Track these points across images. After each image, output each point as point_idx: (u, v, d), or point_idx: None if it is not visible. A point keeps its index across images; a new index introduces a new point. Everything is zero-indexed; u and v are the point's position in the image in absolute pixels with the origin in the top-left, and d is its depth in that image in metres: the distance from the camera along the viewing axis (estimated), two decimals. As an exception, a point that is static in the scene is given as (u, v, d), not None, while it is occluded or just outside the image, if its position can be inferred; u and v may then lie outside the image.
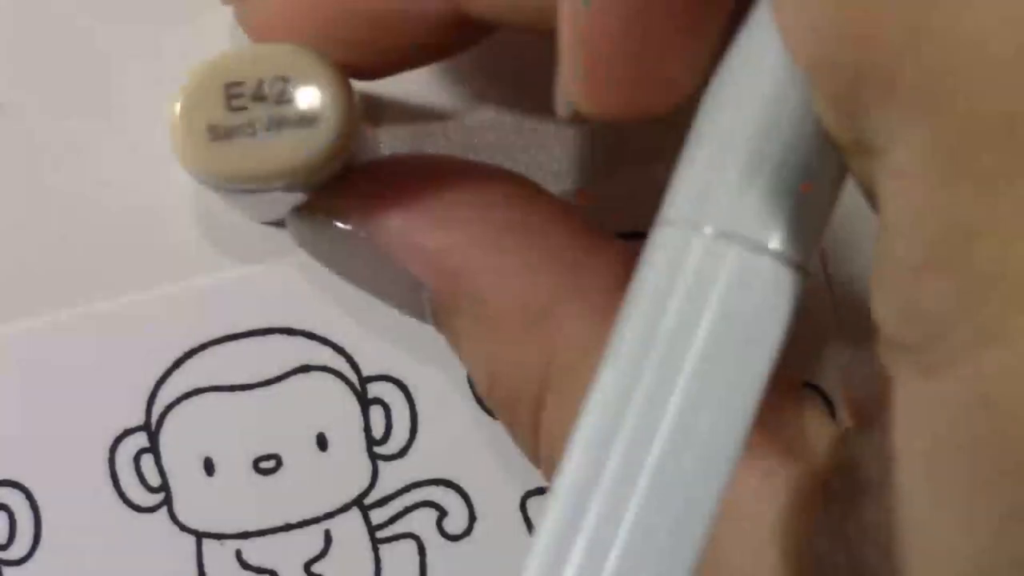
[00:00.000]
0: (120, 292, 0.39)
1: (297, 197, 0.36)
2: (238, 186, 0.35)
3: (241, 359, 0.39)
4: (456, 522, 0.39)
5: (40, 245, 0.40)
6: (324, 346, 0.39)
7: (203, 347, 0.39)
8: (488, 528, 0.39)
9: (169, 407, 0.39)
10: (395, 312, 0.39)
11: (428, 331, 0.40)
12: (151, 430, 0.39)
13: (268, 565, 0.39)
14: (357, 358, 0.39)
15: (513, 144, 0.40)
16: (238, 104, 0.35)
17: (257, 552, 0.39)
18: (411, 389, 0.39)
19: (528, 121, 0.40)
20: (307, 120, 0.34)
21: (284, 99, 0.35)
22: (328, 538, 0.39)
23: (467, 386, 0.39)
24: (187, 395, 0.39)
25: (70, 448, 0.39)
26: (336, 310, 0.39)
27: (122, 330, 0.39)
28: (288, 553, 0.39)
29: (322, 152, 0.35)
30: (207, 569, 0.39)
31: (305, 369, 0.39)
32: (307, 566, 0.39)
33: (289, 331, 0.39)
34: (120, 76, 0.40)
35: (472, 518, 0.39)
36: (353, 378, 0.39)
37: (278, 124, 0.35)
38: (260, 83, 0.35)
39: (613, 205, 0.39)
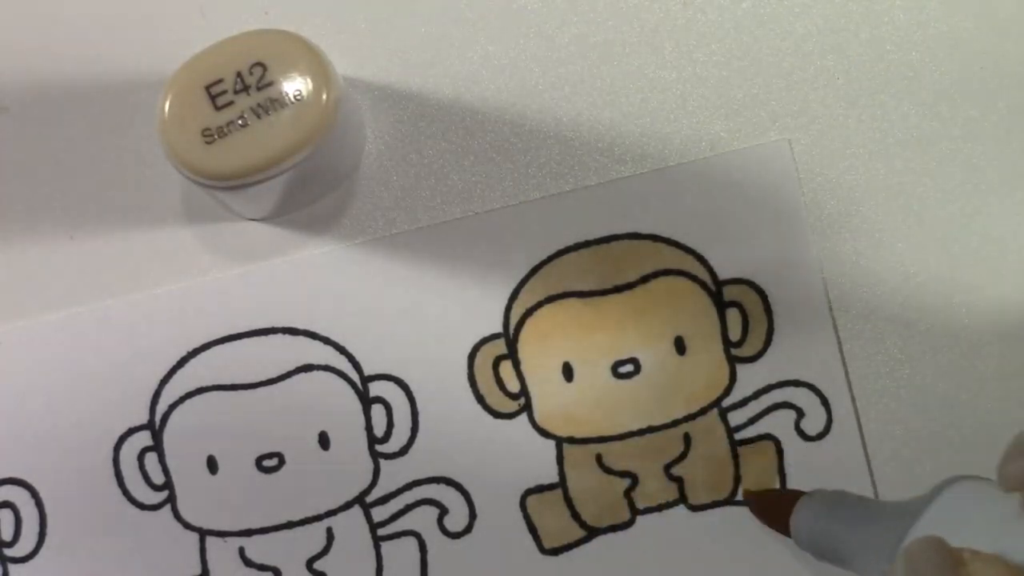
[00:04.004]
0: (123, 292, 0.40)
1: (294, 181, 0.37)
2: (243, 181, 0.35)
3: (244, 358, 0.39)
4: (457, 519, 0.39)
5: (44, 245, 0.40)
6: (326, 346, 0.39)
7: (206, 347, 0.39)
8: (488, 525, 0.39)
9: (173, 406, 0.39)
10: (396, 313, 0.40)
11: (429, 331, 0.40)
12: (155, 429, 0.39)
13: (271, 562, 0.39)
14: (359, 357, 0.40)
15: (513, 145, 0.40)
16: (223, 101, 0.35)
17: (260, 549, 0.39)
18: (412, 388, 0.40)
19: (528, 122, 0.40)
20: (293, 97, 0.35)
21: (265, 83, 0.35)
22: (330, 535, 0.39)
23: (467, 385, 0.40)
24: (190, 394, 0.39)
25: (74, 446, 0.39)
26: (338, 310, 0.39)
27: (125, 330, 0.39)
28: (290, 550, 0.39)
29: (315, 123, 0.35)
30: (211, 566, 0.39)
31: (307, 368, 0.39)
32: (309, 563, 0.39)
33: (291, 331, 0.39)
34: (122, 77, 0.40)
35: (472, 516, 0.39)
36: (355, 377, 0.39)
37: (266, 109, 0.35)
38: (238, 75, 0.35)
39: (610, 207, 0.40)
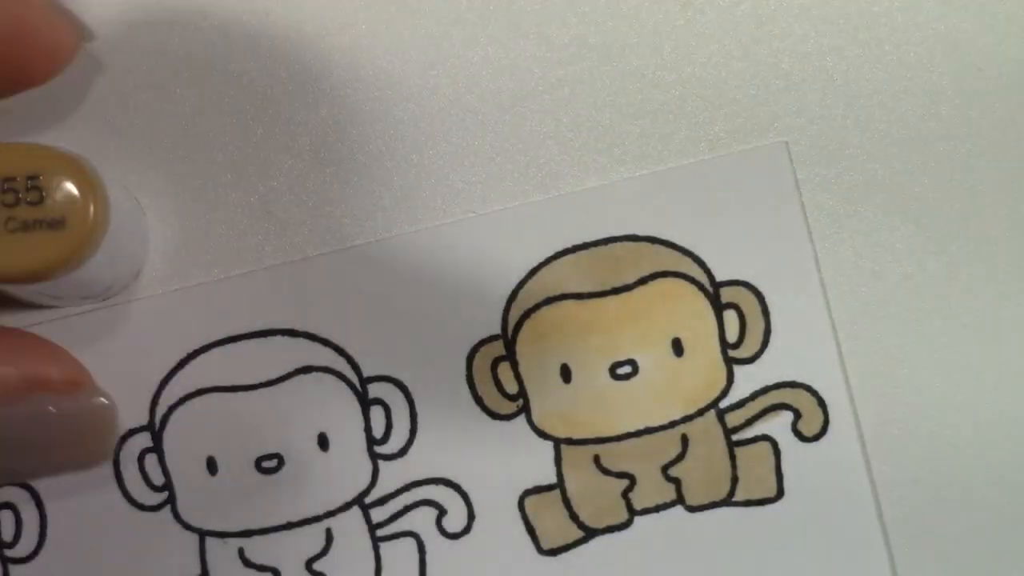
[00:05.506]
0: (124, 294, 0.40)
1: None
2: None
3: (243, 360, 0.39)
4: (455, 520, 0.40)
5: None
6: (325, 347, 0.40)
7: (206, 348, 0.40)
8: (487, 526, 0.40)
9: (173, 407, 0.39)
10: (395, 314, 0.40)
11: (428, 333, 0.40)
12: (155, 430, 0.40)
13: (270, 563, 0.39)
14: (358, 359, 0.40)
15: (513, 146, 0.40)
16: None
17: (259, 550, 0.40)
18: (411, 389, 0.40)
19: (528, 123, 0.40)
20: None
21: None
22: (329, 536, 0.40)
23: (466, 386, 0.40)
24: (190, 395, 0.39)
25: (75, 448, 0.40)
26: (337, 312, 0.40)
27: (126, 331, 0.40)
28: (290, 551, 0.39)
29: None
30: (210, 567, 0.39)
31: (306, 370, 0.39)
32: (308, 564, 0.39)
33: (291, 332, 0.40)
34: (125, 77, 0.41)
35: (471, 516, 0.40)
36: (354, 378, 0.40)
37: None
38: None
39: (608, 209, 0.40)
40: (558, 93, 0.40)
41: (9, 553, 0.39)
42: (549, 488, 0.40)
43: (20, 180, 0.33)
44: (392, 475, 0.40)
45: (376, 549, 0.40)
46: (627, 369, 0.40)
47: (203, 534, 0.40)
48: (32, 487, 0.39)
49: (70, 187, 0.33)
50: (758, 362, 0.40)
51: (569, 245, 0.40)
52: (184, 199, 0.40)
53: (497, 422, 0.40)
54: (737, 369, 0.40)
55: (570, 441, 0.40)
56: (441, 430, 0.40)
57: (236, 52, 0.40)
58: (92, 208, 0.34)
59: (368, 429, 0.40)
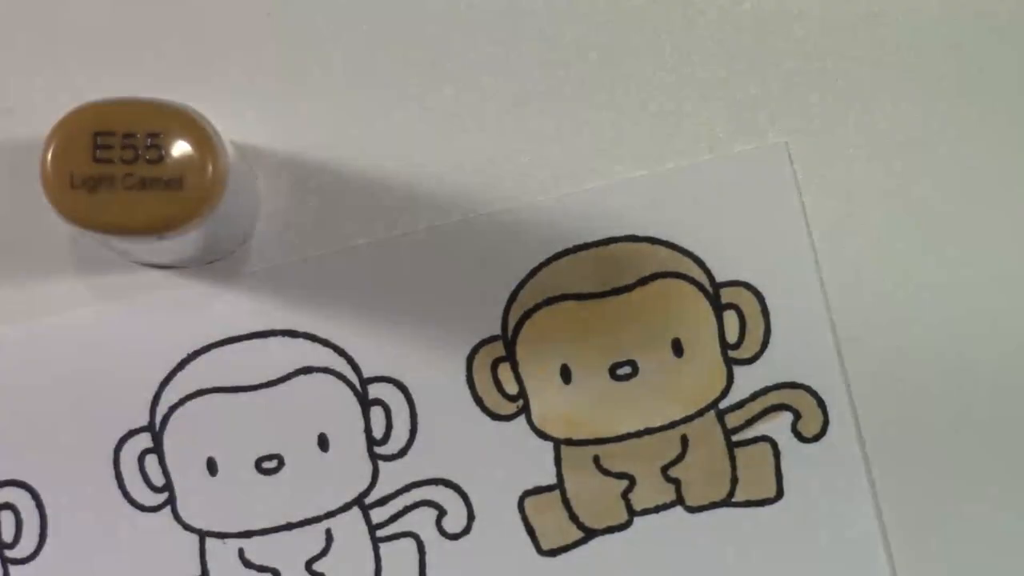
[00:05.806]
0: (124, 295, 0.40)
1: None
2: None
3: (243, 360, 0.39)
4: (455, 521, 0.40)
5: (49, 244, 0.40)
6: (325, 348, 0.40)
7: (206, 349, 0.40)
8: (486, 527, 0.40)
9: (173, 408, 0.39)
10: (395, 315, 0.40)
11: (428, 333, 0.40)
12: (155, 431, 0.40)
13: (270, 563, 0.39)
14: (358, 360, 0.40)
15: (513, 147, 0.40)
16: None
17: (259, 550, 0.40)
18: (411, 390, 0.40)
19: (528, 123, 0.40)
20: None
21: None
22: (329, 537, 0.40)
23: (466, 387, 0.40)
24: (190, 396, 0.39)
25: (75, 449, 0.39)
26: (337, 313, 0.40)
27: (126, 332, 0.40)
28: (290, 551, 0.40)
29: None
30: (210, 567, 0.39)
31: (307, 371, 0.40)
32: (308, 564, 0.39)
33: (291, 333, 0.40)
34: (125, 78, 0.41)
35: (471, 517, 0.40)
36: (354, 379, 0.40)
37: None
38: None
39: (608, 210, 0.40)
40: (558, 94, 0.40)
41: (9, 553, 0.39)
42: (549, 488, 0.40)
43: (140, 137, 0.33)
44: (392, 475, 0.40)
45: (376, 549, 0.40)
46: (627, 370, 0.40)
47: (203, 534, 0.40)
48: (32, 487, 0.39)
49: (189, 149, 0.33)
50: (758, 362, 0.40)
51: (569, 245, 0.40)
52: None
53: (497, 422, 0.40)
54: (737, 369, 0.40)
55: (570, 442, 0.40)
56: (441, 430, 0.40)
57: (236, 53, 0.40)
58: (210, 171, 0.33)
59: (368, 430, 0.40)
